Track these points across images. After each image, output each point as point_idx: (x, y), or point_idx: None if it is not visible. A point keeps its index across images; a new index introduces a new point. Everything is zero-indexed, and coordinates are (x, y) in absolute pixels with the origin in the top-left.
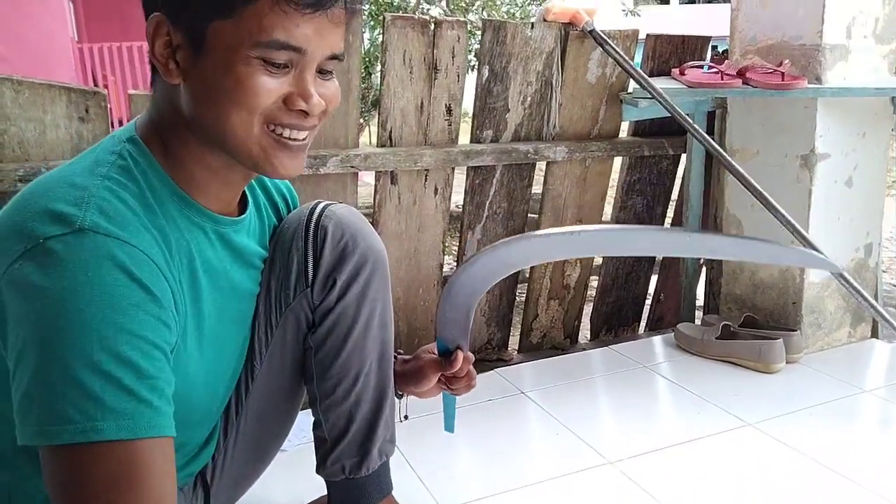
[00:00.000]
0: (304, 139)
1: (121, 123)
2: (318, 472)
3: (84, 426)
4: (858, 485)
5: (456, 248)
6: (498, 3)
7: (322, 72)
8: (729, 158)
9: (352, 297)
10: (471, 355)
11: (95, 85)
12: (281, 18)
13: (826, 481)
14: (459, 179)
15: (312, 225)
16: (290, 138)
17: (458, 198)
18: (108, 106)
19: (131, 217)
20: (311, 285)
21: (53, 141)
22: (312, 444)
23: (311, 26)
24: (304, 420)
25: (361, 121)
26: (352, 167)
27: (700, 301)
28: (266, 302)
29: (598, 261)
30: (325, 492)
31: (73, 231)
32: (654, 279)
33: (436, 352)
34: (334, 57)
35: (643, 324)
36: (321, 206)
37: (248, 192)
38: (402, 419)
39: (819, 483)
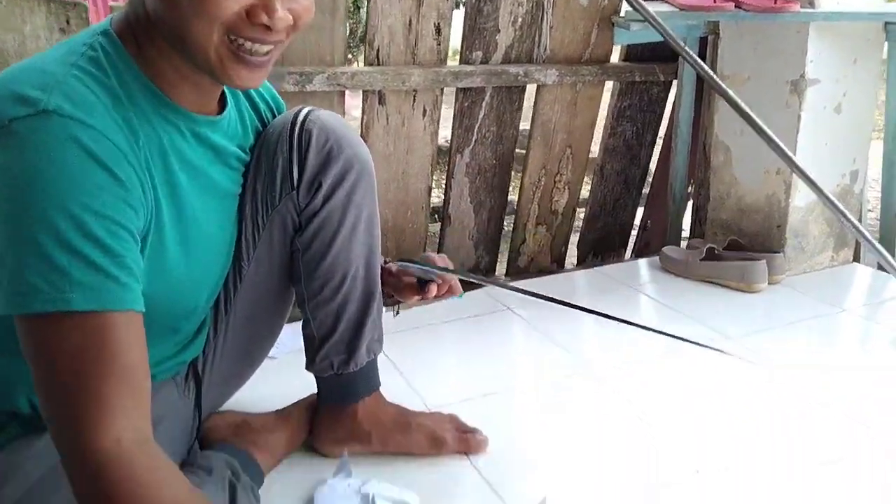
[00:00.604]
0: (265, 54)
1: None
2: (307, 368)
3: (53, 296)
4: (833, 395)
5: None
6: None
7: None
8: (719, 81)
9: (337, 201)
10: (451, 283)
11: None
12: None
13: (802, 392)
14: (447, 114)
15: (297, 128)
16: (250, 52)
17: (445, 132)
18: (88, 17)
19: (96, 103)
20: (296, 188)
21: (34, 51)
22: (302, 352)
23: None
24: (293, 330)
25: (350, 56)
26: (338, 85)
27: (687, 231)
28: (252, 204)
29: (586, 188)
30: (314, 390)
31: (36, 113)
32: (641, 208)
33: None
34: None
35: (629, 251)
36: (305, 110)
37: (228, 94)
38: (395, 314)
39: (794, 394)
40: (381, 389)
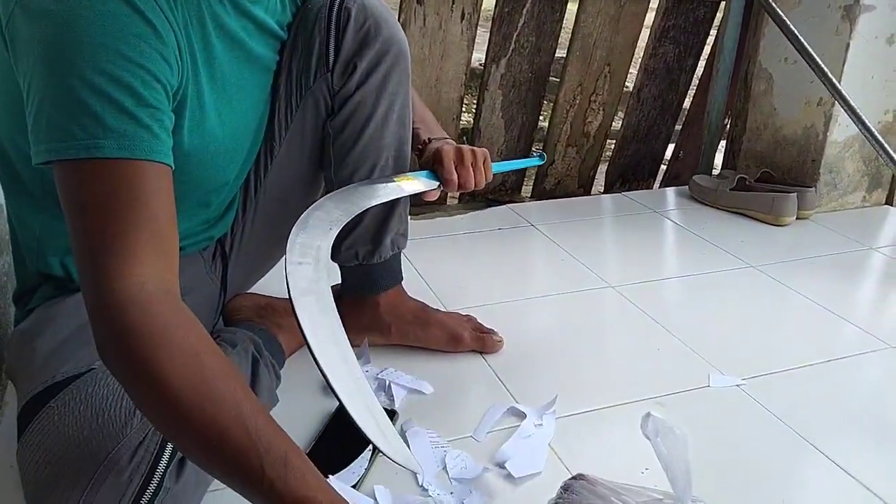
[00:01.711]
0: None
1: None
2: (332, 258)
3: (87, 143)
4: (854, 325)
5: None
6: None
7: None
8: (770, 1)
9: (371, 86)
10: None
11: None
12: None
13: (822, 319)
14: (483, 37)
15: (336, 7)
16: None
17: (478, 55)
18: None
19: None
20: (331, 69)
21: None
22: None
23: None
24: None
25: None
26: None
27: (719, 169)
28: (287, 84)
29: (620, 113)
30: (339, 280)
31: None
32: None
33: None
34: None
35: (658, 181)
36: None
37: None
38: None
39: (815, 321)
40: (403, 286)
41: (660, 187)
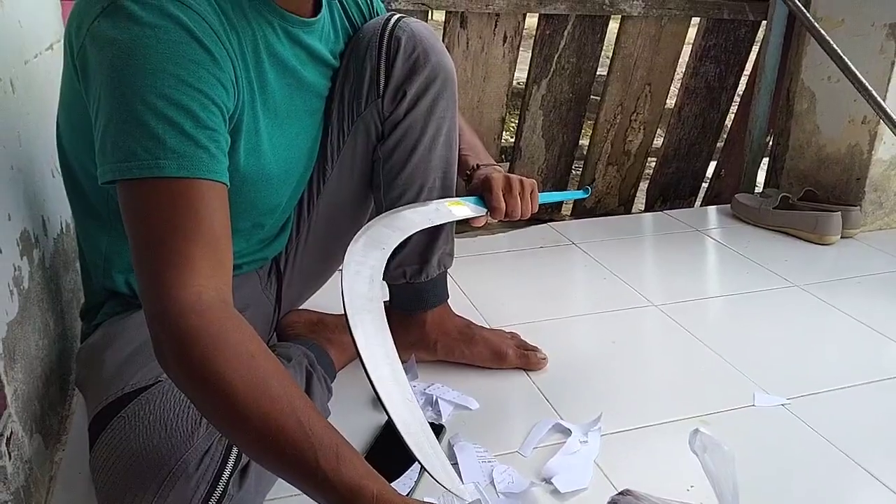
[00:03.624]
0: None
1: None
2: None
3: (149, 163)
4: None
5: (513, 128)
6: None
7: None
8: (813, 21)
9: (420, 111)
10: (508, 207)
11: None
12: None
13: (868, 339)
14: (524, 57)
15: (387, 35)
16: None
17: (521, 74)
18: None
19: None
20: (381, 96)
21: None
22: None
23: None
24: None
25: None
26: (422, 4)
27: (761, 187)
28: (339, 110)
29: (661, 133)
30: (387, 297)
31: None
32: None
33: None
34: None
35: (699, 200)
36: (396, 17)
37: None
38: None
39: (860, 340)
40: (448, 304)
41: (701, 206)
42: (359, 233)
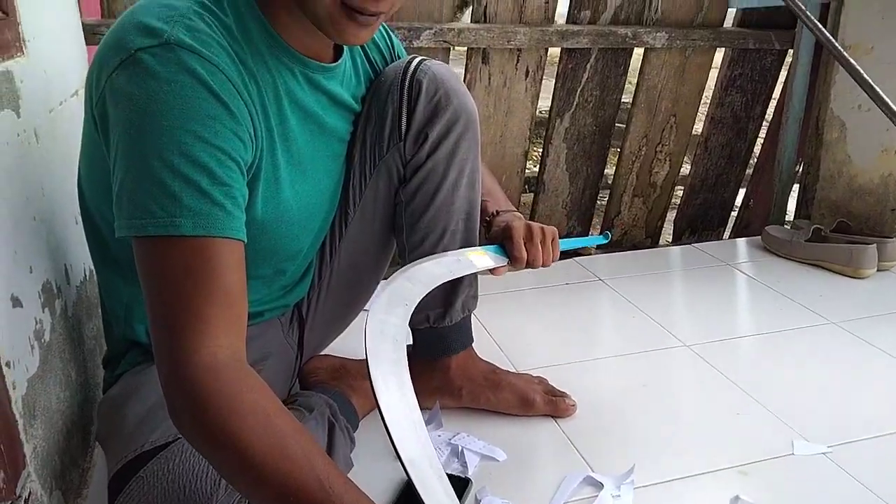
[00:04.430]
0: (375, 14)
1: None
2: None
3: (165, 221)
4: None
5: (537, 155)
6: None
7: None
8: (842, 50)
9: (442, 154)
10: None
11: None
12: None
13: None
14: (548, 86)
15: (408, 79)
16: (359, 12)
17: (544, 103)
18: None
19: (214, 38)
20: (403, 139)
21: None
22: None
23: None
24: None
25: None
26: (444, 42)
27: (791, 215)
28: (361, 154)
29: (687, 162)
30: (410, 342)
31: (160, 44)
32: (743, 188)
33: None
34: None
35: (729, 230)
36: (417, 60)
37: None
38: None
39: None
40: (473, 348)
41: (730, 237)
42: (381, 287)
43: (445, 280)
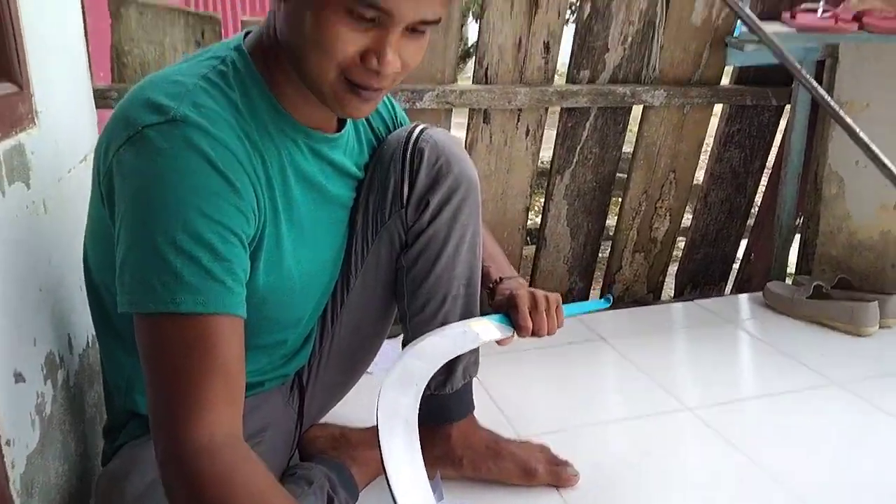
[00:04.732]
0: (376, 89)
1: None
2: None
3: (165, 297)
4: None
5: (539, 204)
6: None
7: (414, 30)
8: (837, 108)
9: (443, 220)
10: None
11: (197, 5)
12: None
13: None
14: (549, 136)
15: (410, 146)
16: (363, 88)
17: (545, 154)
18: (221, 31)
19: (220, 114)
20: (405, 206)
21: (171, 62)
22: None
23: None
24: (391, 348)
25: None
26: (447, 103)
27: (792, 267)
28: (363, 220)
29: (688, 216)
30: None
31: (167, 121)
32: (743, 240)
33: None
34: (427, 22)
35: (730, 284)
36: (419, 128)
37: None
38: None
39: None
40: (474, 415)
41: (732, 291)
42: (391, 368)
43: (454, 355)
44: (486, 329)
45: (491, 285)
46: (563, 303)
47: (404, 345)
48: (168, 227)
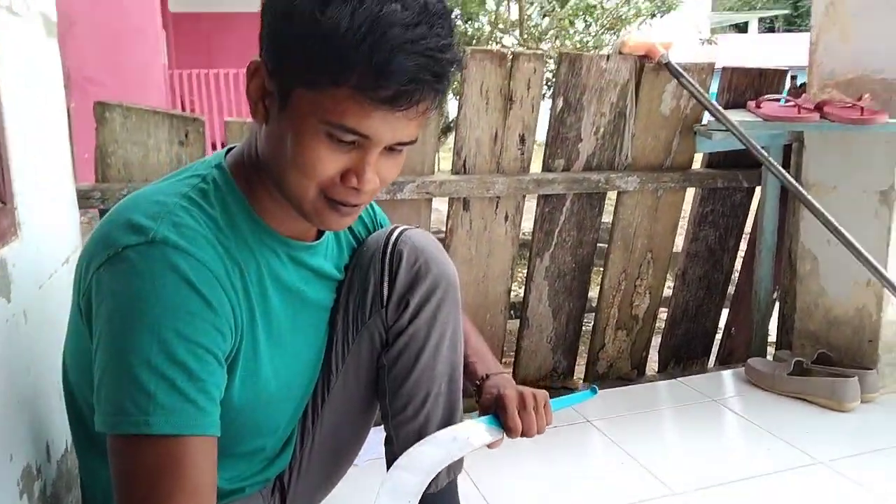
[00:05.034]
0: (356, 204)
1: (214, 147)
2: None
3: (137, 419)
4: None
5: (522, 275)
6: (571, 31)
7: (391, 149)
8: (805, 192)
9: (423, 320)
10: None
11: (183, 108)
12: (356, 107)
13: None
14: (530, 206)
15: (389, 248)
16: (342, 204)
17: (527, 225)
18: (205, 132)
19: (199, 232)
20: (385, 306)
21: (155, 163)
22: (383, 459)
23: (383, 119)
24: (376, 437)
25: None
26: (427, 193)
27: (773, 337)
28: (344, 320)
29: (668, 292)
30: None
31: (146, 242)
32: (724, 313)
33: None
34: (403, 143)
35: (713, 358)
36: (398, 230)
37: None
38: None
39: None
40: None
41: (715, 364)
42: (382, 483)
43: (445, 465)
44: (476, 434)
45: (478, 382)
46: (551, 394)
47: (387, 443)
48: (143, 348)
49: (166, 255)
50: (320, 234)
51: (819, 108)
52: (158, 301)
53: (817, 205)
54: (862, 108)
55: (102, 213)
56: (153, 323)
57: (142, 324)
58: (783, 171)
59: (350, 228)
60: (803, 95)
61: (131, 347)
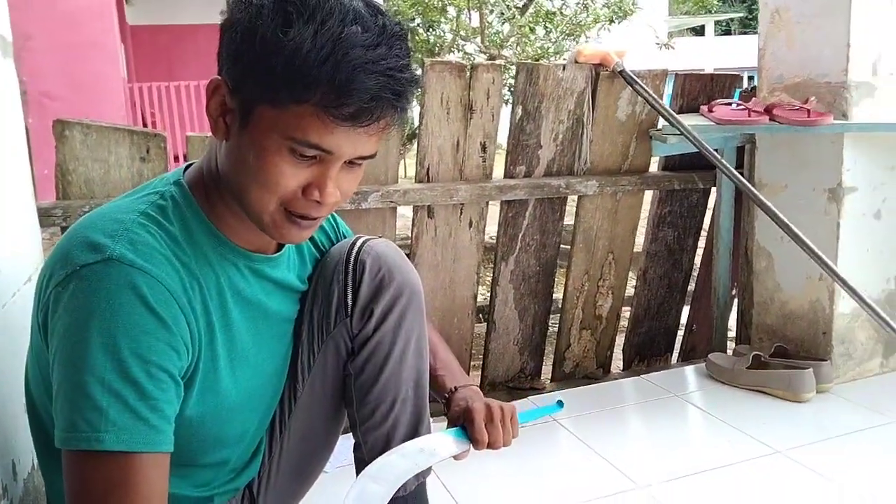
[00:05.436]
0: (316, 217)
1: (176, 160)
2: None
3: (89, 435)
4: None
5: (489, 279)
6: (532, 38)
7: (352, 163)
8: (756, 192)
9: (388, 327)
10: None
11: (144, 121)
12: (319, 124)
13: None
14: (494, 210)
15: (352, 258)
16: (301, 217)
17: (492, 228)
18: (166, 147)
19: (156, 249)
20: (350, 315)
21: (116, 179)
22: (353, 466)
23: (345, 135)
24: (345, 443)
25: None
26: (391, 202)
27: (733, 332)
28: (309, 330)
29: (630, 292)
30: None
31: (102, 260)
32: (685, 310)
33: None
34: (364, 157)
35: (676, 354)
36: (361, 240)
37: None
38: None
39: None
40: None
41: (678, 360)
42: (348, 491)
43: (411, 475)
44: (442, 445)
45: (446, 395)
46: (519, 395)
47: (356, 449)
48: (97, 366)
49: (122, 274)
50: (281, 246)
51: (769, 110)
52: (113, 319)
53: (768, 203)
54: (809, 111)
55: (64, 230)
56: (107, 341)
57: (96, 342)
58: (734, 171)
59: (313, 240)
60: (753, 99)
61: (85, 365)
